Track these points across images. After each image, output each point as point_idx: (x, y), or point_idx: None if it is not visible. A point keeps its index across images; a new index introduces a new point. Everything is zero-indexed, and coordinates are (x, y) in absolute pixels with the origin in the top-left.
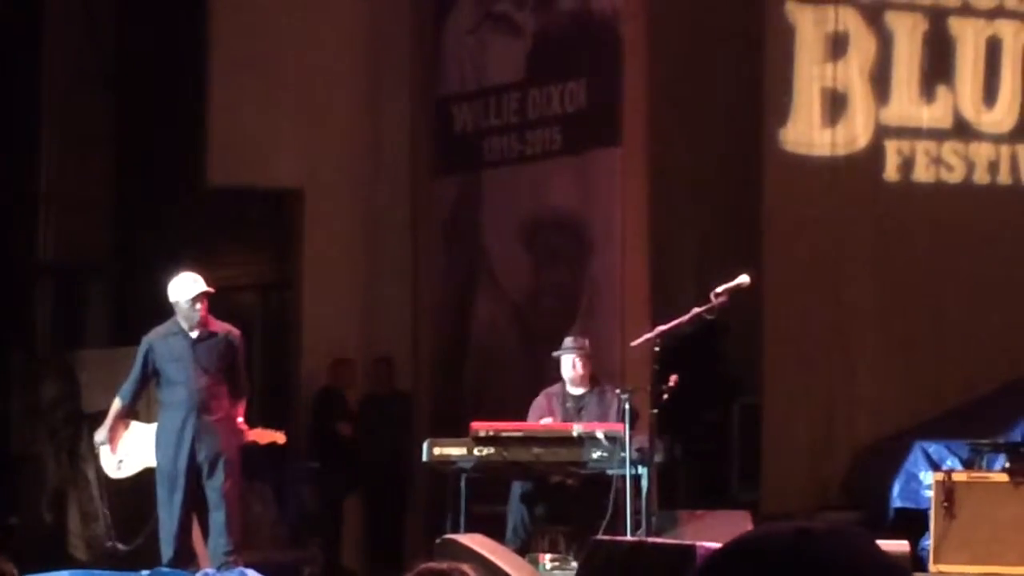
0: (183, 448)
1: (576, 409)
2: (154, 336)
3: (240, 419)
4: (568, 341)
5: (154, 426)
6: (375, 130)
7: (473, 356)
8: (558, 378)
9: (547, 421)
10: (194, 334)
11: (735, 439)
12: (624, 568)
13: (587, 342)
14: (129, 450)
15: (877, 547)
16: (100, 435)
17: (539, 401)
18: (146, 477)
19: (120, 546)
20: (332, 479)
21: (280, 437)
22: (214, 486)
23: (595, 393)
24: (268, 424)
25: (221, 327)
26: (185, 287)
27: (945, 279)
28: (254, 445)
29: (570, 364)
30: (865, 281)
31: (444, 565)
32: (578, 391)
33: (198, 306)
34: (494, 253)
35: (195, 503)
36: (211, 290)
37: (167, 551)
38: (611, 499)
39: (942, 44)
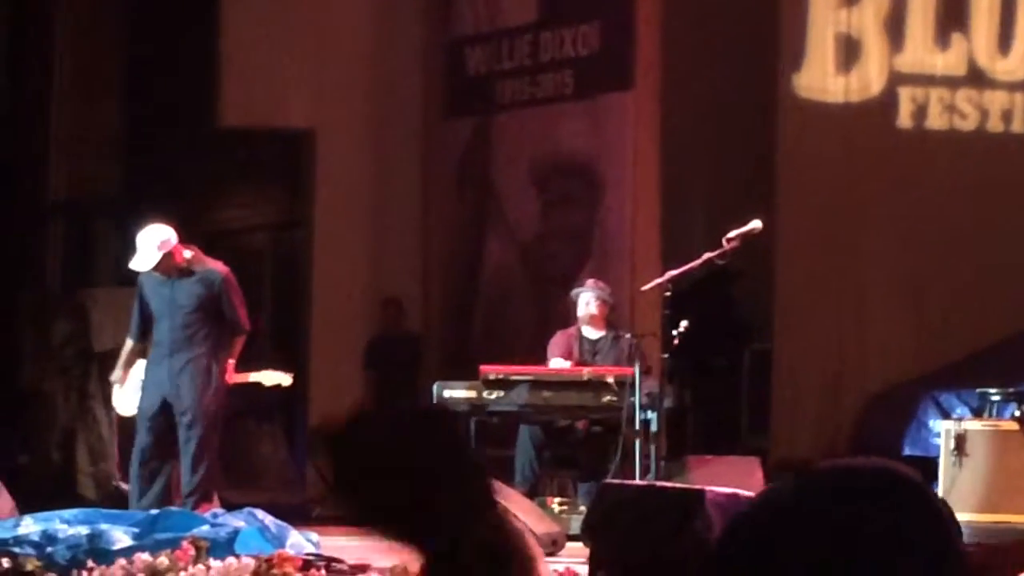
0: (158, 387)
1: (591, 352)
2: (146, 274)
3: (231, 360)
4: (589, 282)
5: None
6: (387, 71)
7: (483, 298)
8: (570, 321)
9: (562, 363)
10: (173, 274)
11: (745, 385)
12: (633, 512)
13: (609, 289)
14: (138, 388)
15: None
16: (115, 374)
17: (557, 339)
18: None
19: (123, 486)
20: None
21: (285, 379)
22: (182, 425)
23: (609, 338)
24: (278, 365)
25: (204, 266)
26: (140, 250)
27: (957, 227)
28: (258, 387)
29: (586, 303)
30: (877, 228)
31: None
32: (594, 335)
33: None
34: (505, 196)
35: (171, 444)
36: (139, 270)
37: (132, 487)
38: (620, 444)
39: None
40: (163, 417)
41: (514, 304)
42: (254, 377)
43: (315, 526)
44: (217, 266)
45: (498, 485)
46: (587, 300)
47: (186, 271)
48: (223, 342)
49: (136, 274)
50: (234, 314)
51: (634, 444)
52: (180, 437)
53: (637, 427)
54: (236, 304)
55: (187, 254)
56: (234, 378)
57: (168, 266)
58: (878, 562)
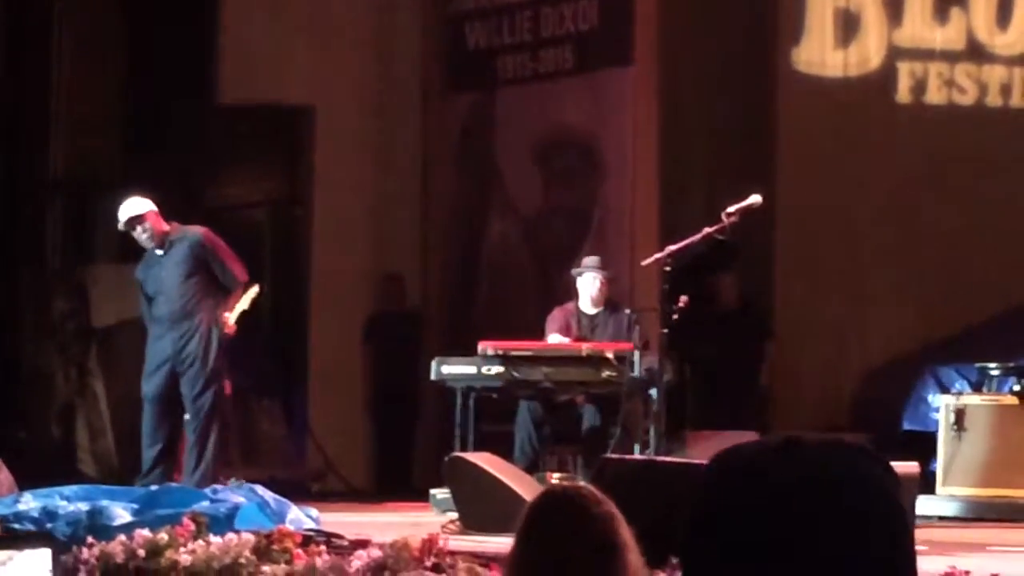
0: (164, 362)
1: (590, 328)
2: (141, 263)
3: (226, 313)
4: (591, 260)
5: None
6: (387, 46)
7: (483, 274)
8: (569, 297)
9: (559, 339)
10: (159, 251)
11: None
12: (633, 487)
13: (609, 265)
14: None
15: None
16: None
17: (555, 315)
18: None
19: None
20: None
21: (254, 289)
22: (190, 388)
23: (608, 313)
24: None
25: (183, 233)
26: (119, 215)
27: (956, 201)
28: (246, 316)
29: (591, 283)
30: (876, 203)
31: (567, 484)
32: (592, 310)
33: (136, 230)
34: (506, 171)
35: (178, 420)
36: (133, 215)
37: (146, 466)
38: (619, 419)
39: None
40: (170, 394)
41: (515, 280)
42: (236, 315)
43: (315, 502)
44: (194, 229)
45: (497, 460)
46: (593, 278)
47: (169, 242)
48: (220, 302)
49: (136, 255)
50: (225, 272)
51: (634, 419)
52: (188, 396)
53: (637, 402)
54: (225, 260)
55: (164, 225)
56: (231, 327)
57: (154, 226)
58: (835, 536)
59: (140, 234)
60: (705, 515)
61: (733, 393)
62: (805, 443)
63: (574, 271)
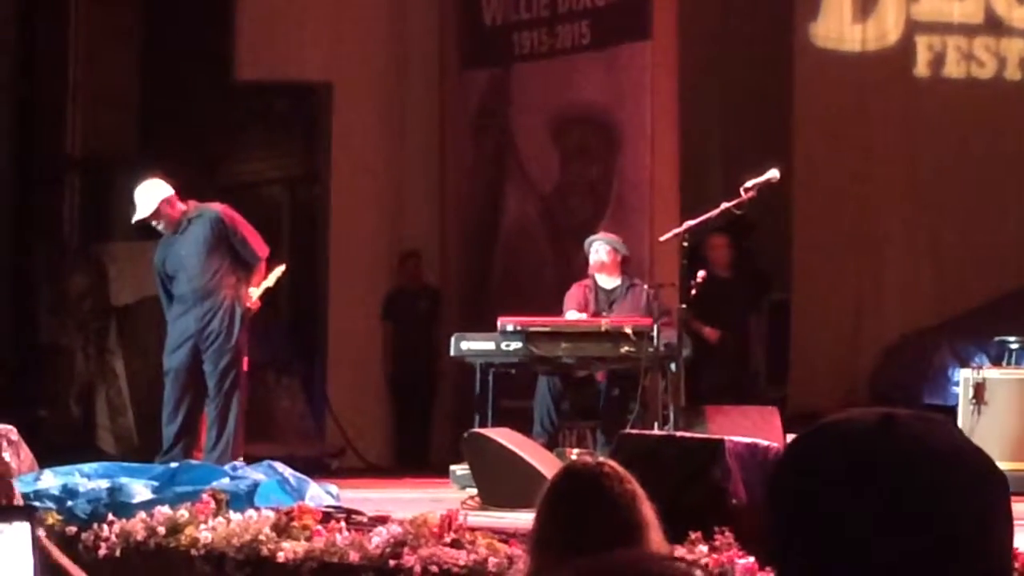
0: (188, 339)
1: (607, 302)
2: (159, 246)
3: (251, 288)
4: (602, 232)
5: None
6: (404, 22)
7: (502, 250)
8: (587, 273)
9: (577, 315)
10: (173, 228)
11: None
12: (652, 462)
13: (620, 238)
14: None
15: (961, 433)
16: None
17: (574, 291)
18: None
19: None
20: None
21: (280, 268)
22: (214, 365)
23: (625, 286)
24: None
25: (201, 211)
26: (134, 210)
27: (975, 175)
28: (269, 294)
29: (595, 252)
30: (894, 177)
31: (589, 461)
32: (609, 284)
33: (154, 222)
34: (523, 147)
35: (200, 397)
36: (142, 218)
37: (167, 444)
38: (639, 394)
39: None
40: (192, 370)
41: (533, 256)
42: (260, 291)
43: (334, 479)
44: (213, 206)
45: (516, 436)
46: (597, 248)
47: (187, 219)
48: (242, 278)
49: (154, 233)
50: (245, 247)
51: (653, 394)
52: (210, 372)
53: (656, 377)
54: (245, 236)
55: (181, 206)
56: (255, 303)
57: (167, 216)
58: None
59: (156, 226)
60: (803, 496)
61: (731, 365)
62: (901, 418)
63: (586, 242)
